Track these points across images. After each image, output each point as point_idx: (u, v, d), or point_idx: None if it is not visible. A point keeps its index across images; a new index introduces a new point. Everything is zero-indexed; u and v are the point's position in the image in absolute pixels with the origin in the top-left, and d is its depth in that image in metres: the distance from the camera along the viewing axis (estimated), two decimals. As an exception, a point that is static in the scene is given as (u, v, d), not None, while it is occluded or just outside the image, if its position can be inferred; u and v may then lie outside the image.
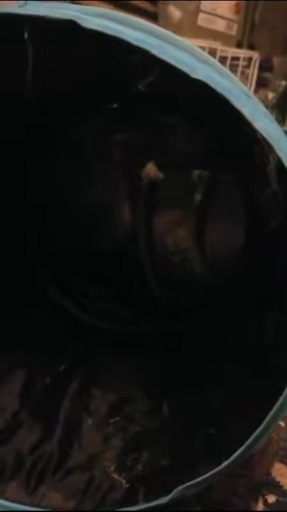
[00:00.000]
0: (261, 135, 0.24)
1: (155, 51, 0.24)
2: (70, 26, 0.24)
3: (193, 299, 0.53)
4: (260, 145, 0.25)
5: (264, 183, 0.26)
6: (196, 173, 0.53)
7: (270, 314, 0.36)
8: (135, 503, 0.30)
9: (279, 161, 0.24)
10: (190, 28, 1.12)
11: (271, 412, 0.27)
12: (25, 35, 0.25)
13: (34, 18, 0.24)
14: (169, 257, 0.56)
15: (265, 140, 0.24)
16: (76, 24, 0.24)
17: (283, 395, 0.27)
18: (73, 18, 0.24)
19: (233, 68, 0.99)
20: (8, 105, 0.33)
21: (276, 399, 0.27)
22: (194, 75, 0.24)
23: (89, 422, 0.39)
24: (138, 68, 0.25)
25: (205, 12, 1.15)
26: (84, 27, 0.24)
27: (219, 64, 0.28)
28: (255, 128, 0.24)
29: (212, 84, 0.24)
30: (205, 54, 0.27)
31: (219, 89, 0.24)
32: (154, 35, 0.25)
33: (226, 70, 0.28)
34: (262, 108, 0.28)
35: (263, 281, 0.39)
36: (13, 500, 0.31)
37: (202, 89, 0.25)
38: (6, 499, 0.31)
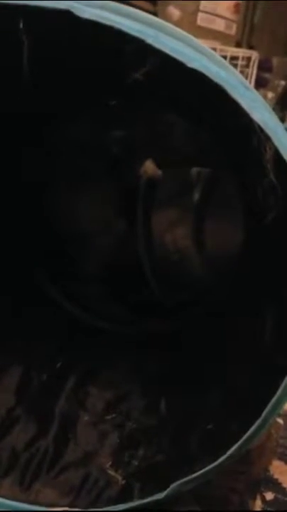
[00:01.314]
0: (259, 126, 0.24)
1: (151, 41, 0.24)
2: (66, 16, 0.24)
3: (192, 298, 0.53)
4: (257, 136, 0.24)
5: (261, 175, 0.26)
6: (195, 171, 0.53)
7: (269, 312, 0.35)
8: (131, 499, 0.30)
9: (276, 151, 0.24)
10: (189, 27, 1.13)
11: (268, 407, 0.26)
12: (21, 25, 0.24)
13: (29, 7, 0.24)
14: (168, 256, 0.56)
15: (262, 131, 0.24)
16: (71, 14, 0.23)
17: (280, 390, 0.26)
18: (69, 8, 0.23)
19: (232, 68, 0.99)
20: (2, 97, 0.32)
21: (273, 394, 0.27)
22: (190, 65, 0.24)
23: (85, 418, 0.39)
24: (135, 58, 0.24)
25: (205, 12, 1.16)
26: (79, 17, 0.24)
27: (216, 55, 0.27)
28: (253, 119, 0.24)
29: (209, 75, 0.24)
30: (203, 45, 0.27)
31: (216, 80, 0.24)
32: (151, 26, 0.25)
33: (224, 61, 0.27)
34: (260, 99, 0.27)
35: (262, 279, 0.39)
36: (7, 497, 0.31)
37: (200, 81, 0.24)
38: (0, 496, 0.31)
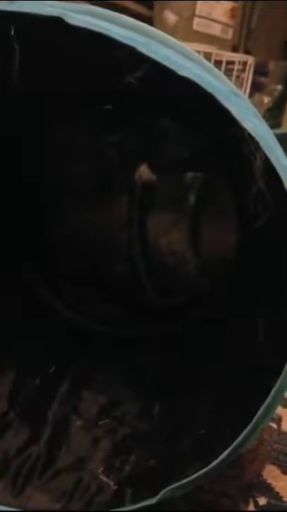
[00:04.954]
0: (249, 133, 0.24)
1: (142, 48, 0.24)
2: (56, 23, 0.24)
3: (187, 301, 0.53)
4: (247, 143, 0.25)
5: (251, 182, 0.26)
6: (189, 175, 0.53)
7: (261, 315, 0.36)
8: (123, 504, 0.30)
9: (266, 159, 0.24)
10: (185, 32, 1.13)
11: (259, 412, 0.26)
12: (12, 32, 0.25)
13: (20, 14, 0.24)
14: (163, 260, 0.56)
15: (252, 138, 0.24)
16: (62, 21, 0.24)
17: (271, 395, 0.26)
18: (59, 15, 0.24)
19: (228, 72, 0.99)
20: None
21: (265, 399, 0.27)
22: (181, 73, 0.24)
23: (78, 423, 0.39)
24: (126, 64, 0.24)
25: (201, 16, 1.16)
26: (70, 24, 0.24)
27: (207, 62, 0.27)
28: (243, 126, 0.24)
29: (200, 82, 0.24)
30: (194, 52, 0.27)
31: (206, 87, 0.24)
32: (141, 33, 0.25)
33: (214, 68, 0.27)
34: (251, 107, 0.27)
35: (255, 282, 0.39)
36: (-2, 502, 0.31)
37: (192, 88, 0.24)
38: (-8, 501, 0.31)
